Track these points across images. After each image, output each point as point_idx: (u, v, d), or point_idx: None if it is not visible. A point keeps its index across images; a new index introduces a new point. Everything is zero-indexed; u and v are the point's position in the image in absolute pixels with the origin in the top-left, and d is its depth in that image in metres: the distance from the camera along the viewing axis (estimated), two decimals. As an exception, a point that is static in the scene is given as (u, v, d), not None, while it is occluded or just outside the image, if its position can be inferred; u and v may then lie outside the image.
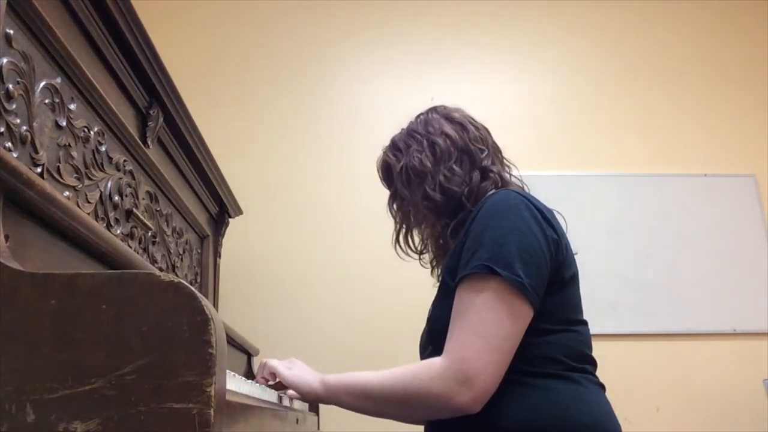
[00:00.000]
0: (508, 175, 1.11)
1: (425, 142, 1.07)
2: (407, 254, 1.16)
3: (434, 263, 1.18)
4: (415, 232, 1.16)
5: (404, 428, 1.08)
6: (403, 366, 0.91)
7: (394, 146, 1.13)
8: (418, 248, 1.17)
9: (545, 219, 0.93)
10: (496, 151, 1.12)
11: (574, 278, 0.96)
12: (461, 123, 1.09)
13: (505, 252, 0.86)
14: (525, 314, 0.87)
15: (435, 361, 0.86)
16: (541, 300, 0.88)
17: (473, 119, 1.13)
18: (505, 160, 1.13)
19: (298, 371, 1.03)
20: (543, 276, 0.89)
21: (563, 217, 1.02)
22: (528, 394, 0.86)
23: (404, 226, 1.15)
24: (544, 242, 0.90)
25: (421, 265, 1.20)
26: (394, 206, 1.14)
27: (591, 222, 2.43)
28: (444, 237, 1.09)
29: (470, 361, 0.83)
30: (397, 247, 1.15)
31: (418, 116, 1.15)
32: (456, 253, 0.96)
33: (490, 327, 0.84)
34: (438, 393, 0.84)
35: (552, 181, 2.43)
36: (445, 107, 1.14)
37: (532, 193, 1.09)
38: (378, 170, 1.18)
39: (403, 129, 1.15)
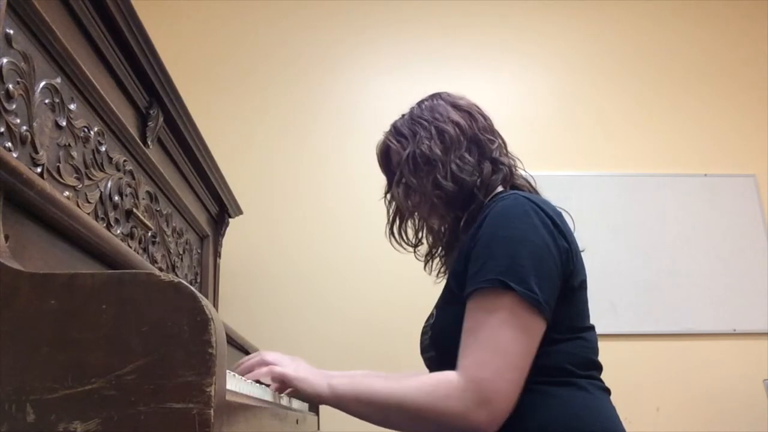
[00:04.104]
0: (515, 169, 1.07)
1: (433, 129, 1.03)
2: (401, 246, 1.13)
3: (429, 257, 1.15)
4: (409, 224, 1.13)
5: None
6: (416, 377, 0.88)
7: (398, 132, 1.08)
8: (413, 241, 1.14)
9: (556, 226, 0.90)
10: (502, 143, 1.09)
11: (582, 285, 0.94)
12: (469, 111, 1.06)
13: (518, 266, 0.84)
14: (539, 330, 0.85)
15: (451, 379, 0.83)
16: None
17: (479, 107, 1.09)
18: (510, 154, 1.10)
19: (303, 374, 0.96)
20: (555, 289, 0.87)
21: (570, 216, 0.99)
22: (534, 403, 0.84)
23: (398, 216, 1.11)
24: (556, 253, 0.88)
25: (416, 257, 1.17)
26: (398, 194, 1.07)
27: (591, 222, 2.43)
28: (455, 230, 1.06)
29: (489, 381, 0.80)
30: (391, 238, 1.12)
31: (421, 102, 1.11)
32: (462, 257, 0.93)
33: (508, 345, 0.82)
34: (455, 413, 0.81)
35: (552, 181, 2.42)
36: (449, 94, 1.10)
37: (537, 190, 1.07)
38: (377, 156, 1.14)
39: (404, 114, 1.11)
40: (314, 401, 0.97)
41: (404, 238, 1.13)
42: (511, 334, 0.82)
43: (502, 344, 0.82)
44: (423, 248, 1.17)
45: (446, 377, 0.84)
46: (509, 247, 0.86)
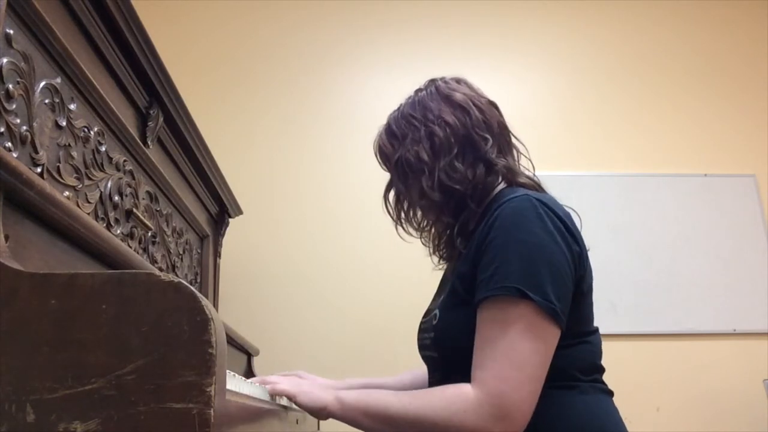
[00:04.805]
0: (517, 163, 1.03)
1: (423, 131, 0.99)
2: (409, 234, 1.11)
3: (438, 240, 1.12)
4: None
5: None
6: (427, 391, 0.87)
7: (390, 131, 1.05)
8: (420, 226, 1.10)
9: (567, 229, 0.88)
10: (502, 134, 1.02)
11: (590, 288, 0.92)
12: (463, 106, 0.99)
13: (535, 273, 0.81)
14: (555, 339, 0.83)
15: (468, 392, 0.81)
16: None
17: (477, 97, 1.02)
18: (513, 139, 1.05)
19: (307, 388, 0.95)
20: (569, 297, 0.85)
21: (577, 214, 0.96)
22: (537, 407, 0.83)
23: (401, 215, 1.08)
24: (570, 258, 0.85)
25: (423, 243, 1.14)
26: (390, 199, 1.08)
27: (591, 222, 2.41)
28: (448, 235, 1.04)
29: (509, 396, 0.78)
30: (399, 228, 1.10)
31: (417, 93, 1.06)
32: (469, 258, 0.90)
33: (527, 357, 0.79)
34: (473, 427, 0.79)
35: (552, 181, 2.41)
36: (446, 82, 1.04)
37: (543, 188, 1.03)
38: (375, 153, 1.10)
39: (400, 106, 1.07)
40: (319, 414, 0.94)
41: (411, 224, 1.10)
42: (529, 346, 0.80)
43: (520, 356, 0.80)
44: (426, 235, 1.14)
45: (462, 391, 0.82)
46: (524, 253, 0.83)
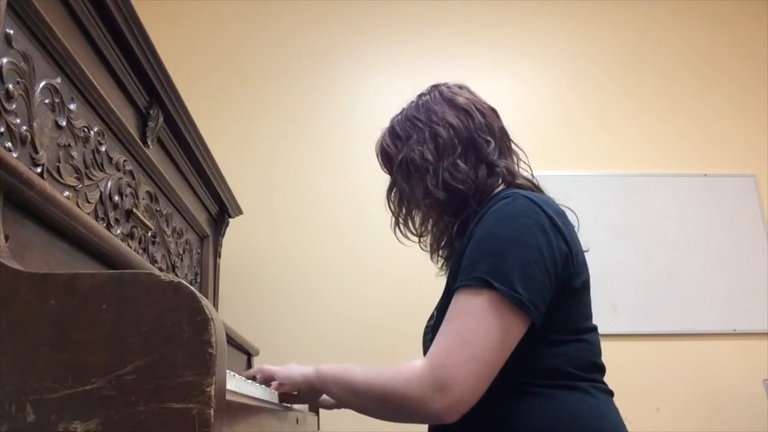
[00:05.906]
0: (516, 167, 1.05)
1: (427, 132, 1.01)
2: (407, 238, 1.12)
3: (436, 246, 1.13)
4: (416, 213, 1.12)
5: (405, 428, 1.08)
6: (389, 365, 0.89)
7: (394, 133, 1.07)
8: (419, 230, 1.12)
9: (554, 226, 0.88)
10: (503, 138, 1.05)
11: (585, 285, 0.93)
12: (466, 110, 1.02)
13: (504, 264, 0.83)
14: (518, 328, 0.83)
15: (416, 364, 0.84)
16: (546, 313, 0.85)
17: (479, 102, 1.06)
18: (513, 145, 1.07)
19: (290, 366, 1.07)
20: (546, 289, 0.85)
21: (574, 213, 0.97)
22: (536, 406, 0.84)
23: (400, 216, 1.11)
24: (549, 255, 0.85)
25: (421, 247, 1.16)
26: (393, 199, 1.10)
27: (591, 222, 2.43)
28: (448, 235, 1.06)
29: (449, 368, 0.80)
30: (397, 231, 1.12)
31: (420, 96, 1.08)
32: (460, 256, 0.92)
33: (476, 336, 0.81)
34: (412, 396, 0.81)
35: (552, 181, 2.41)
36: (449, 87, 1.07)
37: (541, 188, 1.04)
38: (377, 155, 1.12)
39: (403, 110, 1.09)
40: (300, 385, 1.02)
41: (410, 229, 1.12)
42: (483, 328, 0.81)
43: (470, 335, 0.81)
44: (430, 238, 1.15)
45: (412, 363, 0.85)
46: (497, 246, 0.85)
